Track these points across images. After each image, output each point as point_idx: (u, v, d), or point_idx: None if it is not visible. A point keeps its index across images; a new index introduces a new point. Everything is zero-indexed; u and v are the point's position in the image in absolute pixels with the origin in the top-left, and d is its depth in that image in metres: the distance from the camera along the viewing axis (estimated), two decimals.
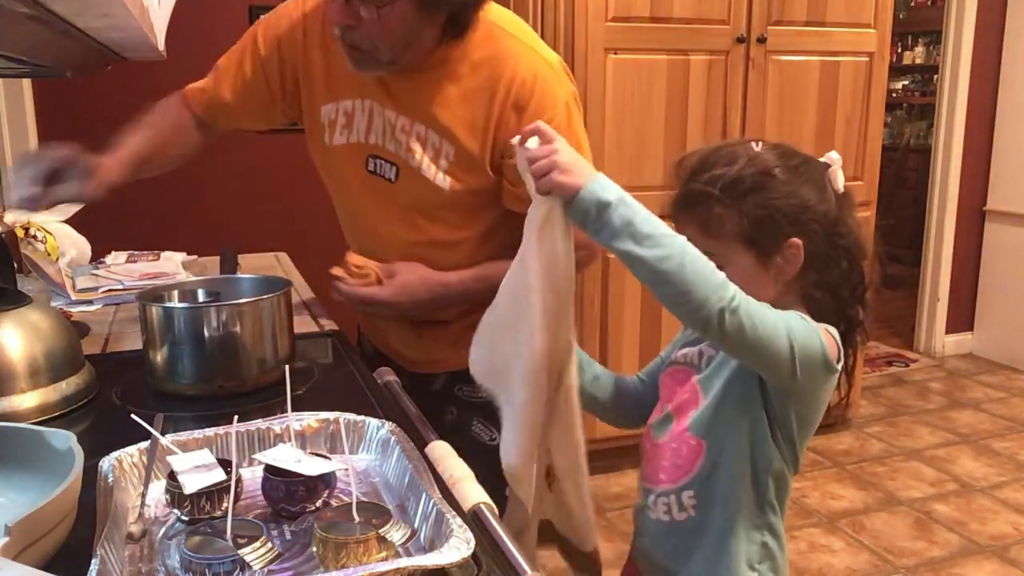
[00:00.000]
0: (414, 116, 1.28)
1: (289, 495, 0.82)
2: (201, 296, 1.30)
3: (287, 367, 0.99)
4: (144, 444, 0.90)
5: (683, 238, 0.91)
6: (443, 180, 1.28)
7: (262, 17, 1.40)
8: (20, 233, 1.73)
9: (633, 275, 0.92)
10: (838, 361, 0.99)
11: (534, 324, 0.98)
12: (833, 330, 1.01)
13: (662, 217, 0.94)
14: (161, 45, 1.18)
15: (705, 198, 1.01)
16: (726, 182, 1.00)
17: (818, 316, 1.03)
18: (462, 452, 1.41)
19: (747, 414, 1.03)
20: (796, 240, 1.00)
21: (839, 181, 1.04)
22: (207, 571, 0.70)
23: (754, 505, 1.06)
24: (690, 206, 1.03)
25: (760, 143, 1.04)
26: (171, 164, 1.47)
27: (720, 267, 0.96)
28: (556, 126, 1.19)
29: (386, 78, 1.28)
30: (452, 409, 1.45)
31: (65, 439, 0.80)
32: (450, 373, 1.44)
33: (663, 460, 1.09)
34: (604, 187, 0.92)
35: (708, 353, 1.08)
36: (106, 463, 0.85)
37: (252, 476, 0.90)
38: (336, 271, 1.30)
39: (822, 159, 1.06)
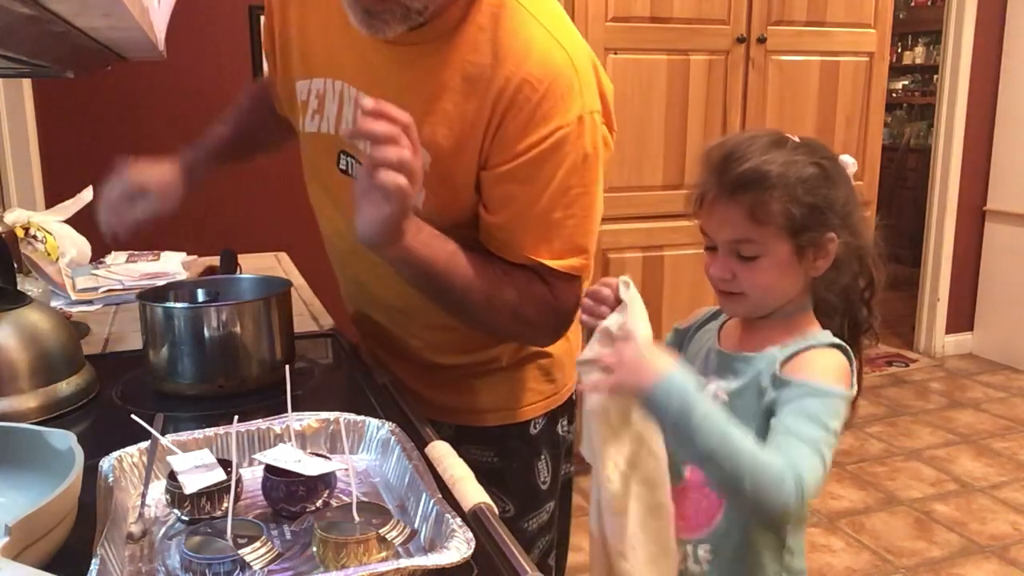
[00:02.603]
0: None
1: (289, 495, 0.82)
2: (201, 296, 1.29)
3: (287, 367, 0.99)
4: (144, 444, 0.90)
5: (746, 446, 0.87)
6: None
7: None
8: (20, 233, 1.73)
9: None
10: (852, 386, 0.97)
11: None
12: (847, 356, 0.98)
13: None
14: (161, 45, 1.17)
15: (760, 181, 0.96)
16: (780, 168, 0.97)
17: (825, 316, 1.03)
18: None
19: None
20: (834, 235, 0.98)
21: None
22: (207, 571, 0.70)
23: (773, 559, 1.03)
24: (742, 189, 0.97)
25: (795, 137, 1.03)
26: (260, 148, 1.43)
27: (756, 256, 0.94)
28: (558, 145, 1.01)
29: (367, 50, 1.06)
30: None
31: (65, 439, 0.80)
32: (457, 428, 1.25)
33: (682, 508, 1.04)
34: (669, 393, 0.88)
35: (721, 397, 1.02)
36: (106, 463, 0.85)
37: (252, 476, 0.90)
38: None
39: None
